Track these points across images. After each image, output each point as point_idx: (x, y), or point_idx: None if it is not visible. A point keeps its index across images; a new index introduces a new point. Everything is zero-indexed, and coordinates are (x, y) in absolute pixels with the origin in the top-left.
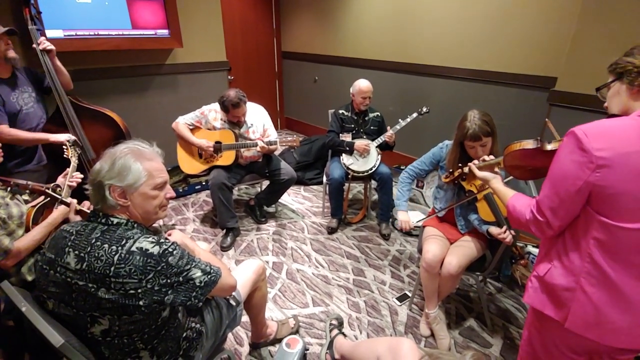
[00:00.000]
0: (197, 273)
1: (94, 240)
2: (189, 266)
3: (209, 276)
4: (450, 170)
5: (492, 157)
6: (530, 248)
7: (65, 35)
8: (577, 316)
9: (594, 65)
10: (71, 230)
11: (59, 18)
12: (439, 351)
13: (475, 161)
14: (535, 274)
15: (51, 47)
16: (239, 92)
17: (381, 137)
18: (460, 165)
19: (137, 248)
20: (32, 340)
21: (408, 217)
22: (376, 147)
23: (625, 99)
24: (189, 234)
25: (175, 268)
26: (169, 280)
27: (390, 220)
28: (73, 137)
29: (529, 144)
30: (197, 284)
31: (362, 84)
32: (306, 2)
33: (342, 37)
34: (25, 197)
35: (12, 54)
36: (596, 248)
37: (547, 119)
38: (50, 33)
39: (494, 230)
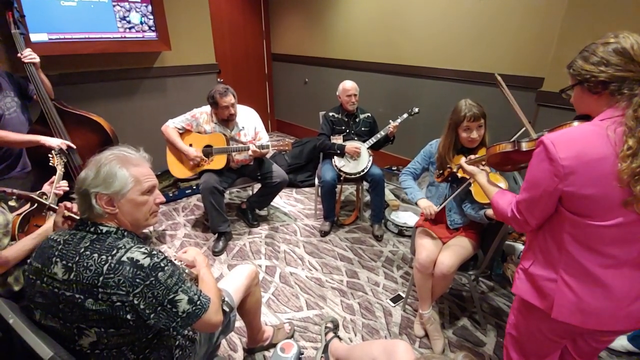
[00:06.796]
0: (183, 299)
1: (82, 250)
2: (176, 287)
3: (193, 307)
4: (441, 171)
5: (476, 156)
6: (518, 245)
7: (50, 39)
8: (561, 305)
9: None
10: (58, 240)
11: (44, 21)
12: (433, 355)
13: (463, 158)
14: (521, 266)
15: (36, 60)
16: (224, 85)
17: (376, 135)
18: (449, 165)
19: (127, 258)
20: (21, 352)
21: (429, 202)
22: (369, 147)
23: (586, 103)
24: (179, 239)
25: (163, 286)
26: (154, 300)
27: (383, 221)
28: (66, 143)
29: (508, 147)
30: (180, 313)
31: (346, 83)
32: (295, 4)
33: (332, 39)
34: (12, 202)
35: None
36: (570, 242)
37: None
38: (34, 37)
39: (490, 212)
